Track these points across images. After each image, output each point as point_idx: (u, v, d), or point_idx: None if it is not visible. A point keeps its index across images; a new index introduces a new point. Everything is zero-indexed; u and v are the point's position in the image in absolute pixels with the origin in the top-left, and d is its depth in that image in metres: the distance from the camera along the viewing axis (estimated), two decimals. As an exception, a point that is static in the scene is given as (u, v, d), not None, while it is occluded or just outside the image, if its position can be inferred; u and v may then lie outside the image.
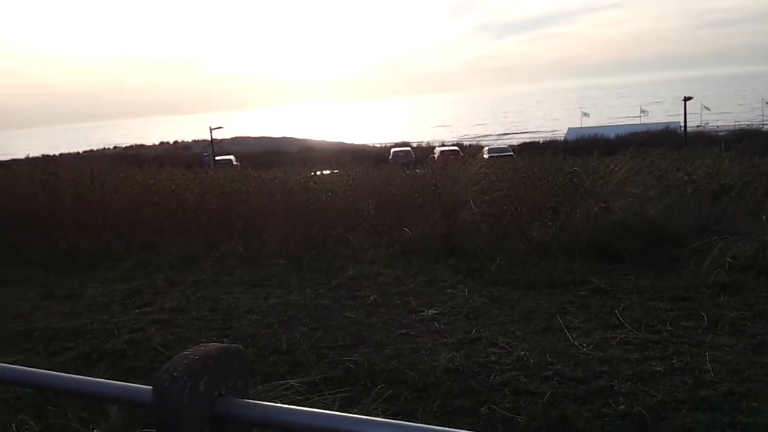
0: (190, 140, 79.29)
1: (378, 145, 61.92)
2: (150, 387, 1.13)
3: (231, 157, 46.12)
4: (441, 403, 3.91)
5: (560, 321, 5.12)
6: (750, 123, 48.80)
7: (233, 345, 1.21)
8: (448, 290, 6.14)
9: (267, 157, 44.94)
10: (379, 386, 4.12)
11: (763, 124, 47.45)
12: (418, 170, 13.32)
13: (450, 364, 4.40)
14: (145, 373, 4.49)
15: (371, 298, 5.99)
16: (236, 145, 63.48)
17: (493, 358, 4.46)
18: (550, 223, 7.77)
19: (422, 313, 5.49)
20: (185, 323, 5.69)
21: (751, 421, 3.49)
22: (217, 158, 45.04)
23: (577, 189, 8.59)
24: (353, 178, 10.68)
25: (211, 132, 53.21)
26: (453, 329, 5.06)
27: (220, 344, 1.20)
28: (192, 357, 1.13)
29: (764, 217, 6.75)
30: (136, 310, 6.18)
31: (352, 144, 65.87)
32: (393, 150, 47.75)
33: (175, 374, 1.09)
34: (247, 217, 9.55)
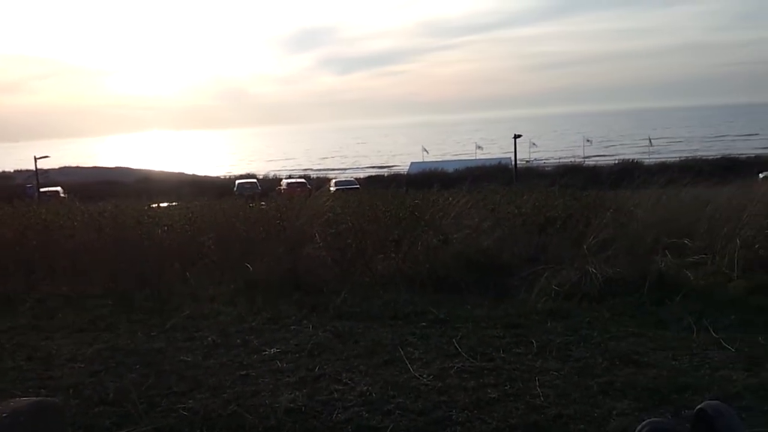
0: (12, 170, 72.28)
1: (222, 177, 60.35)
2: None
3: (58, 188, 42.75)
4: (283, 448, 3.76)
5: (402, 353, 5.16)
6: (573, 159, 53.59)
7: (50, 398, 1.05)
8: (292, 327, 6.00)
9: (99, 189, 42.02)
10: (216, 433, 3.89)
11: (585, 160, 52.35)
12: (263, 203, 13.06)
13: (292, 405, 4.26)
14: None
15: (209, 338, 5.69)
16: (65, 175, 58.86)
17: (336, 395, 4.38)
18: (393, 256, 7.91)
19: (264, 353, 5.29)
20: (-6, 376, 5.04)
21: (577, 442, 3.69)
22: (42, 190, 41.49)
23: (419, 222, 8.85)
24: (192, 211, 10.23)
25: (35, 161, 48.99)
26: (296, 367, 4.92)
27: (35, 398, 1.02)
28: (0, 415, 0.96)
29: (585, 246, 7.34)
30: (-68, 364, 5.38)
31: (194, 175, 63.59)
32: (238, 182, 46.77)
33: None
34: (73, 254, 8.77)
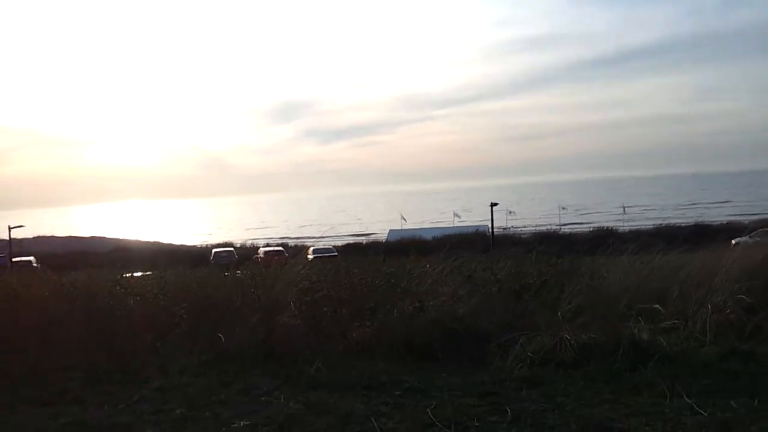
0: (-16, 240, 71.24)
1: (199, 246, 59.96)
2: None
3: (31, 258, 42.14)
4: None
5: (375, 424, 5.07)
6: (549, 226, 54.35)
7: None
8: (263, 398, 5.87)
9: (73, 258, 41.50)
10: None
11: (560, 227, 53.08)
12: (239, 271, 12.98)
13: (262, 480, 4.14)
14: None
15: (177, 411, 5.54)
16: (39, 244, 58.15)
17: (307, 470, 4.27)
18: (369, 324, 7.86)
19: (233, 425, 5.16)
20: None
21: None
22: (14, 259, 40.86)
23: (395, 289, 8.85)
24: (166, 280, 10.13)
25: (9, 231, 48.46)
26: (266, 440, 4.81)
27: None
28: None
29: (559, 313, 7.37)
30: None
31: (170, 244, 63.13)
32: (214, 250, 46.49)
33: None
34: (43, 326, 8.58)
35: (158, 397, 5.99)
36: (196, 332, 8.11)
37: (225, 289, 9.56)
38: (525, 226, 58.10)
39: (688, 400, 5.27)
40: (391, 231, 51.96)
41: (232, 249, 47.63)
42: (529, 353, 6.69)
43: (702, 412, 5.01)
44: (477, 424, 5.03)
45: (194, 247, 59.71)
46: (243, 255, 39.98)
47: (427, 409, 5.37)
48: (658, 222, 51.21)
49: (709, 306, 7.68)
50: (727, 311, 7.68)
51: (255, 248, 48.00)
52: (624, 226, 47.49)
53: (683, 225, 45.53)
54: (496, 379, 6.20)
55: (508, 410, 5.23)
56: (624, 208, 59.91)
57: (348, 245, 47.51)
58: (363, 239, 53.49)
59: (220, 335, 7.66)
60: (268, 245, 49.24)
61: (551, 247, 28.93)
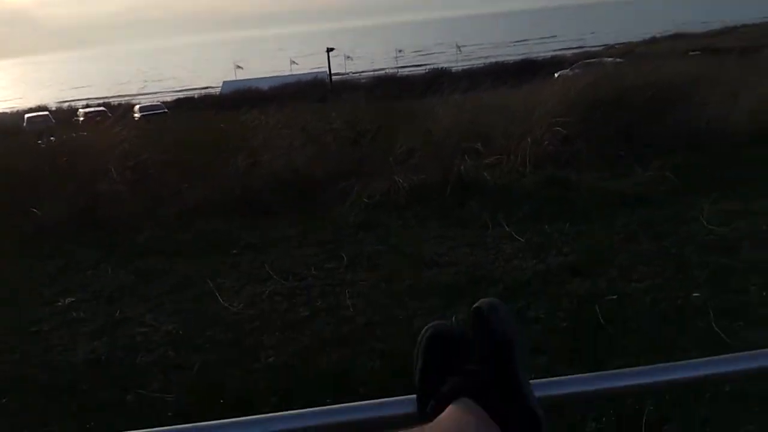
0: None
1: (9, 112, 53.65)
2: None
3: None
4: (81, 402, 3.50)
5: (212, 285, 4.99)
6: (387, 70, 54.25)
7: None
8: (89, 271, 5.55)
9: None
10: (3, 400, 3.53)
11: (398, 71, 53.23)
12: (53, 137, 11.79)
13: (91, 356, 3.97)
14: None
15: (-7, 296, 5.10)
16: None
17: (139, 339, 4.15)
18: (201, 184, 7.53)
19: (57, 304, 4.85)
20: None
21: (386, 347, 3.82)
22: None
23: (227, 145, 8.48)
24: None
25: None
26: (93, 316, 4.58)
27: None
28: None
29: (391, 158, 7.47)
30: None
31: (-25, 112, 55.89)
32: (27, 116, 41.83)
33: None
34: None
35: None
36: (6, 208, 7.34)
37: (36, 159, 8.65)
38: (363, 71, 57.76)
39: (507, 229, 5.67)
40: (225, 83, 49.26)
41: (47, 113, 43.12)
42: (364, 199, 6.81)
43: (519, 238, 5.42)
44: (314, 272, 5.12)
45: (3, 113, 53.39)
46: (61, 119, 36.45)
47: (264, 264, 5.36)
48: (491, 60, 53.04)
49: (529, 139, 8.14)
50: (545, 143, 8.19)
51: (74, 110, 43.81)
52: (458, 65, 48.61)
53: (512, 61, 47.45)
54: (334, 226, 6.28)
55: (344, 256, 5.35)
56: (458, 47, 60.99)
57: (179, 101, 44.66)
58: (195, 93, 50.45)
59: (35, 209, 6.99)
60: (87, 106, 45.08)
61: (390, 90, 29.11)
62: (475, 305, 0.80)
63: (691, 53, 26.89)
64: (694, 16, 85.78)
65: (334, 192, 7.19)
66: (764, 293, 4.06)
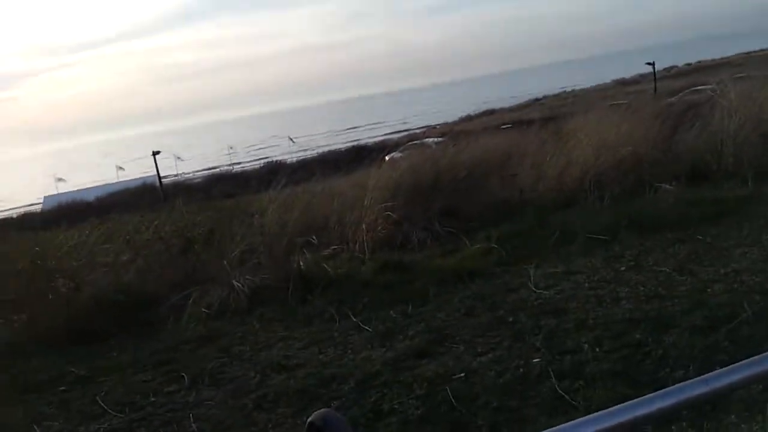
0: None
1: None
2: None
3: None
4: None
5: (37, 431, 4.41)
6: (221, 167, 53.66)
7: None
8: None
9: None
10: None
11: (233, 167, 52.84)
12: None
13: None
14: None
15: None
16: None
17: None
18: (15, 318, 6.78)
19: None
20: None
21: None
22: None
23: (42, 270, 7.75)
24: None
25: None
26: None
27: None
28: None
29: (225, 261, 7.23)
30: None
31: None
32: None
33: None
34: None
35: None
36: None
37: None
38: (197, 170, 56.77)
39: (354, 320, 5.64)
40: (46, 198, 45.95)
41: None
42: (202, 309, 6.48)
43: (366, 328, 5.40)
44: (153, 399, 4.71)
45: None
46: None
47: (97, 397, 4.86)
48: (323, 149, 54.47)
49: (363, 226, 8.32)
50: (379, 228, 8.41)
51: None
52: (293, 157, 49.36)
53: (344, 149, 49.09)
54: (171, 344, 5.88)
55: (185, 375, 5.00)
56: (291, 138, 62.08)
57: (-4, 222, 40.87)
58: (14, 213, 46.49)
59: None
60: None
61: (226, 187, 28.77)
62: (309, 419, 0.80)
63: (503, 127, 29.44)
64: (503, 92, 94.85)
65: (169, 306, 6.78)
66: (596, 349, 4.33)
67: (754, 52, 64.05)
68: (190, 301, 6.62)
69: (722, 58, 63.00)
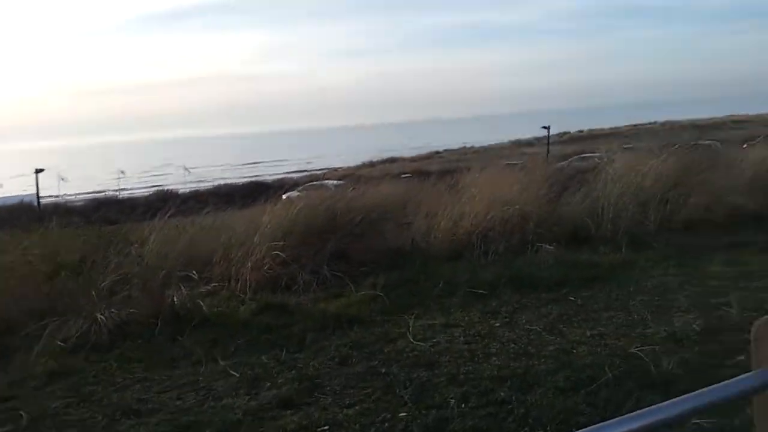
0: None
1: None
2: None
3: None
4: None
5: None
6: (107, 191, 51.13)
7: None
8: None
9: None
10: None
11: (119, 192, 50.44)
12: None
13: None
14: None
15: None
16: None
17: None
18: None
19: None
20: None
21: None
22: None
23: None
24: None
25: None
26: None
27: None
28: None
29: (94, 292, 6.74)
30: None
31: None
32: None
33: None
34: None
35: None
36: None
37: None
38: (80, 193, 53.75)
39: (222, 364, 5.36)
40: None
41: None
42: (59, 342, 5.97)
43: (234, 373, 5.13)
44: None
45: None
46: None
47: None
48: (220, 181, 53.29)
49: (249, 264, 8.05)
50: (265, 267, 8.17)
51: None
52: (186, 187, 47.85)
53: (241, 183, 48.25)
54: (16, 379, 5.34)
55: (23, 414, 4.52)
56: (186, 168, 60.30)
57: None
58: None
59: None
60: None
61: (108, 213, 27.35)
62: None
63: (403, 176, 30.02)
64: (407, 141, 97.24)
65: (23, 336, 6.20)
66: (462, 405, 4.31)
67: (642, 125, 69.69)
68: (46, 332, 6.08)
69: (612, 129, 67.61)
